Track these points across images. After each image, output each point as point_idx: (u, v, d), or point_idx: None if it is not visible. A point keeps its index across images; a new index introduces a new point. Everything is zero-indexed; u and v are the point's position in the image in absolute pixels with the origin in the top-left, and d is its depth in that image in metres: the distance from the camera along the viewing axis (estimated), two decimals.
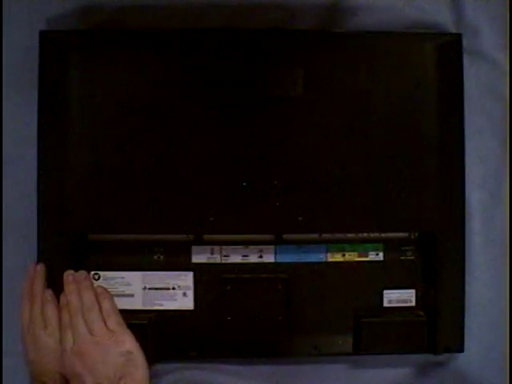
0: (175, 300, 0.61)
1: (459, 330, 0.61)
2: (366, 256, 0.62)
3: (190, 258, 0.61)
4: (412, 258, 0.62)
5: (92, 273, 0.61)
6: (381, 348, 0.61)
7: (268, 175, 0.59)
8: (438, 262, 0.61)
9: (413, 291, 0.62)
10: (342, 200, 0.59)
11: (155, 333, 0.60)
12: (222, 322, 0.61)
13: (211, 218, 0.59)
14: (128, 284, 0.61)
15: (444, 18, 0.63)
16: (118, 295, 0.61)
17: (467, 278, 0.62)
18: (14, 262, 0.61)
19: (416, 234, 0.63)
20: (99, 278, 0.61)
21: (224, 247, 0.61)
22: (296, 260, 0.62)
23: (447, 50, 0.60)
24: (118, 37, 0.60)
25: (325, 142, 0.59)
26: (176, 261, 0.61)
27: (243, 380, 0.63)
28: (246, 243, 0.61)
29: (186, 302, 0.61)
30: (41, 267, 0.58)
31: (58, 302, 0.56)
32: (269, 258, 0.62)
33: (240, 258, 0.62)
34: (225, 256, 0.62)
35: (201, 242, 0.61)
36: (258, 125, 0.59)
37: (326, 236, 0.62)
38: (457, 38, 0.61)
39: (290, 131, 0.59)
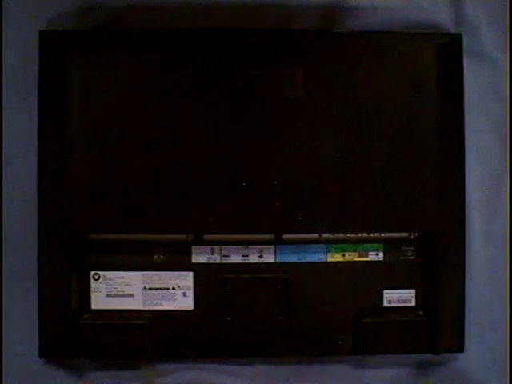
0: (175, 300, 0.61)
1: (459, 330, 0.61)
2: (366, 256, 0.62)
3: (190, 258, 0.61)
4: (412, 258, 0.62)
5: (92, 273, 0.61)
6: (381, 348, 0.61)
7: (268, 175, 0.59)
8: (438, 262, 0.61)
9: (413, 291, 0.62)
10: (342, 200, 0.59)
11: (155, 333, 0.60)
12: (221, 322, 0.61)
13: (211, 218, 0.59)
14: (128, 284, 0.61)
15: (444, 18, 0.63)
16: (118, 295, 0.61)
17: (467, 277, 0.62)
18: (14, 262, 0.61)
19: (416, 234, 0.63)
20: (99, 277, 0.61)
21: (224, 247, 0.61)
22: (296, 260, 0.62)
23: (447, 50, 0.60)
24: (118, 37, 0.60)
25: (325, 141, 0.59)
26: (176, 261, 0.61)
27: (243, 380, 0.63)
28: (246, 243, 0.61)
29: (186, 302, 0.61)
30: None
31: None
32: (269, 258, 0.62)
33: (240, 258, 0.62)
34: (225, 256, 0.62)
35: (201, 242, 0.61)
36: (258, 125, 0.59)
37: (325, 236, 0.62)
38: (457, 38, 0.61)
39: (289, 131, 0.59)
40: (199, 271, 0.61)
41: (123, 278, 0.61)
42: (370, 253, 0.62)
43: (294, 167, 0.59)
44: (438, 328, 0.61)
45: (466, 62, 0.62)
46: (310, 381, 0.63)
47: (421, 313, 0.62)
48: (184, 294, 0.61)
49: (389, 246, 0.62)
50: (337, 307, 0.61)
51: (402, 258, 0.62)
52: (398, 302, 0.62)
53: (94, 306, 0.61)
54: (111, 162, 0.59)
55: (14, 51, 0.61)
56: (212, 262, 0.61)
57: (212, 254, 0.61)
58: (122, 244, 0.61)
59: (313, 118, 0.59)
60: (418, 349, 0.61)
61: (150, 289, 0.61)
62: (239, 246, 0.61)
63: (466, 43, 0.62)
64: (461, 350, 0.62)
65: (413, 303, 0.62)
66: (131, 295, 0.61)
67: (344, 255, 0.62)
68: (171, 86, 0.59)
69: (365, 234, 0.62)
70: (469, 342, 0.62)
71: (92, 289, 0.61)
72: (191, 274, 0.61)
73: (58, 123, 0.58)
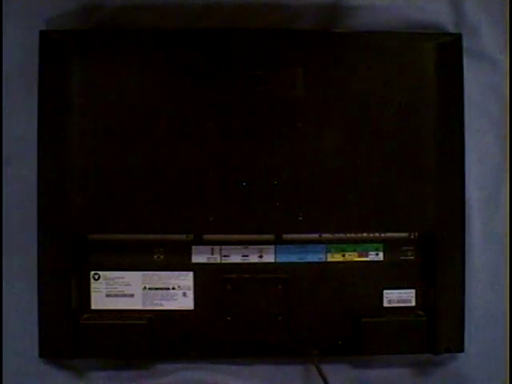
0: (175, 300, 0.61)
1: (459, 330, 0.61)
2: (366, 256, 0.62)
3: (190, 258, 0.61)
4: (412, 258, 0.62)
5: (92, 273, 0.61)
6: (381, 348, 0.61)
7: (268, 175, 0.59)
8: (438, 262, 0.61)
9: (413, 291, 0.62)
10: (341, 200, 0.59)
11: (155, 333, 0.60)
12: (221, 322, 0.61)
13: (211, 218, 0.59)
14: (128, 284, 0.61)
15: (444, 18, 0.63)
16: (118, 295, 0.61)
17: (467, 277, 0.62)
18: (14, 262, 0.61)
19: (416, 234, 0.63)
20: (99, 277, 0.61)
21: (224, 247, 0.61)
22: (296, 260, 0.62)
23: (447, 50, 0.60)
24: (118, 37, 0.60)
25: (325, 141, 0.59)
26: (176, 261, 0.61)
27: (243, 380, 0.63)
28: (246, 243, 0.61)
29: (186, 302, 0.61)
30: None
31: None
32: (269, 258, 0.62)
33: (240, 257, 0.61)
34: (225, 256, 0.61)
35: (201, 242, 0.61)
36: (258, 125, 0.59)
37: (325, 236, 0.62)
38: (457, 38, 0.61)
39: (289, 131, 0.59)
40: (199, 271, 0.61)
41: (123, 278, 0.61)
42: (370, 253, 0.62)
43: (293, 167, 0.59)
44: (437, 328, 0.61)
45: (466, 62, 0.62)
46: (309, 381, 0.63)
47: (421, 313, 0.62)
48: (184, 294, 0.61)
49: (389, 245, 0.62)
50: (337, 307, 0.61)
51: (402, 257, 0.62)
52: (398, 302, 0.62)
53: (94, 306, 0.61)
54: (111, 162, 0.59)
55: (14, 51, 0.61)
56: (212, 262, 0.61)
57: (212, 253, 0.61)
58: (122, 244, 0.61)
59: (313, 117, 0.59)
60: (418, 349, 0.61)
61: (150, 289, 0.61)
62: (239, 246, 0.61)
63: (466, 43, 0.62)
64: (461, 350, 0.62)
65: (413, 303, 0.62)
66: (131, 295, 0.61)
67: (344, 255, 0.62)
68: (171, 85, 0.59)
69: (365, 234, 0.62)
70: (469, 342, 0.62)
71: (92, 289, 0.61)
72: (191, 273, 0.61)
73: (58, 123, 0.58)
